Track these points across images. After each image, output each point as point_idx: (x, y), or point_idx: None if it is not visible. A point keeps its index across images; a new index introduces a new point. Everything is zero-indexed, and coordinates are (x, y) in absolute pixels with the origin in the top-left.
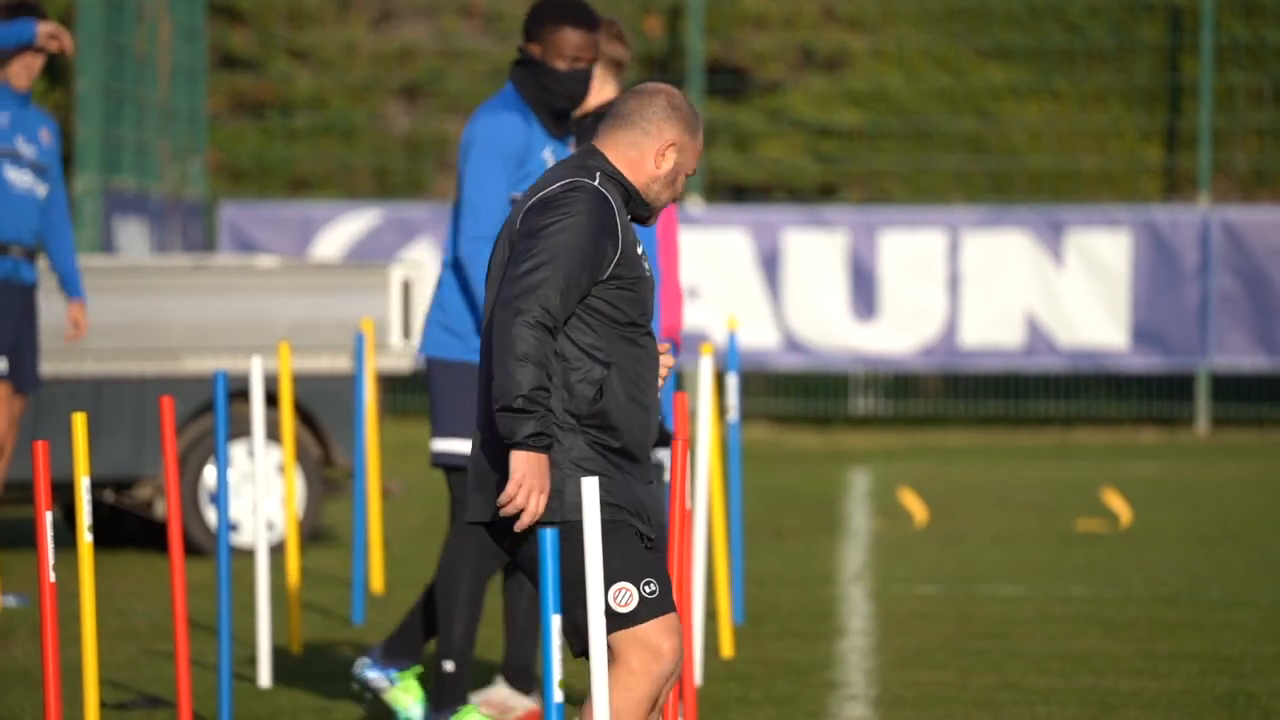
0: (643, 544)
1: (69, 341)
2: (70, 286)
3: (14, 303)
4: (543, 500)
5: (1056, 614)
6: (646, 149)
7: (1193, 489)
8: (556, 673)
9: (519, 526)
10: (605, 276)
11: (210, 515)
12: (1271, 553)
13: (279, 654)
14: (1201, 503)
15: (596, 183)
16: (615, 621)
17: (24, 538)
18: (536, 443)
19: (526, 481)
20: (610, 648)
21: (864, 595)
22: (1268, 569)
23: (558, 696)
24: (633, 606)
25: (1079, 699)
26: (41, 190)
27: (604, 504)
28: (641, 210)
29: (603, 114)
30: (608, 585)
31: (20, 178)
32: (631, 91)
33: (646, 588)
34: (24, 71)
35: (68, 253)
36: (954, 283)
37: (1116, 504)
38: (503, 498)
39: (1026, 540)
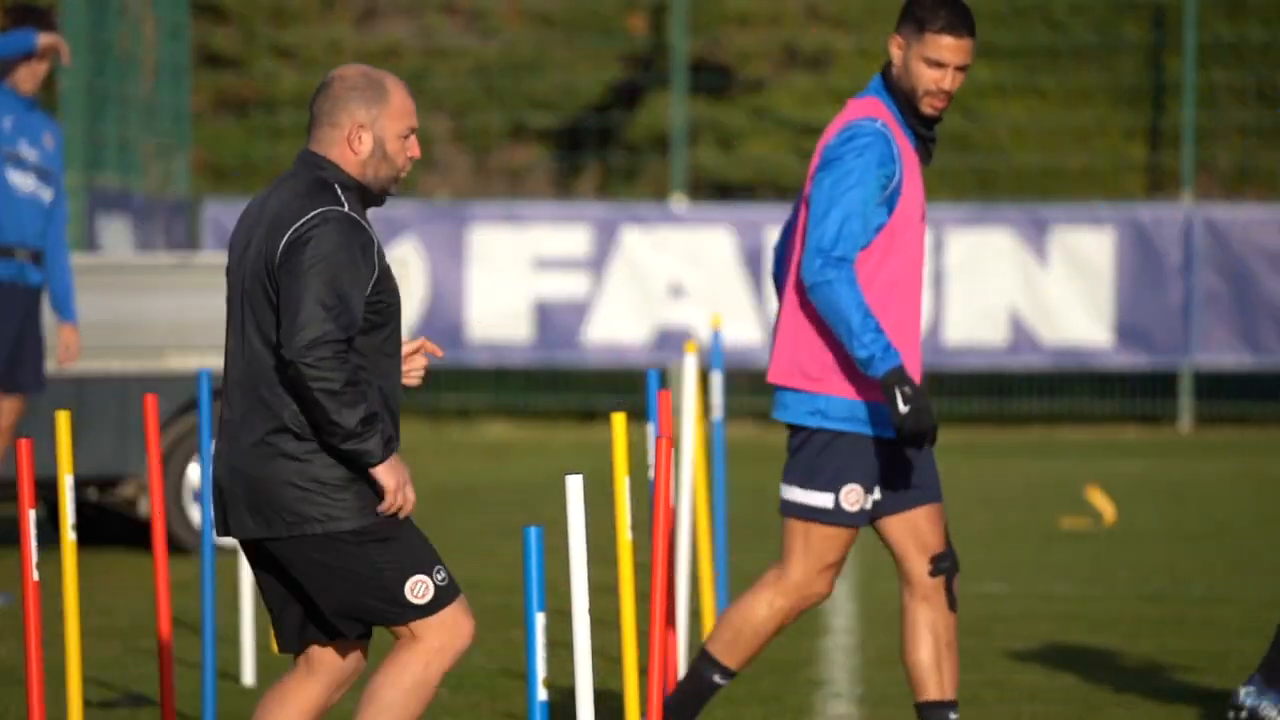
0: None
1: (61, 365)
2: (63, 309)
3: (15, 306)
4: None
5: (1040, 612)
6: (339, 140)
7: (1176, 486)
8: (540, 671)
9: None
10: (369, 296)
11: (194, 513)
12: (1255, 550)
13: (262, 652)
14: (1185, 500)
15: (344, 208)
16: (416, 612)
17: (7, 536)
18: (390, 450)
19: (401, 483)
20: (411, 630)
21: (848, 593)
22: (1251, 566)
23: (542, 695)
24: (430, 596)
25: (1063, 697)
26: (46, 195)
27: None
28: (374, 200)
29: None
30: (403, 580)
31: (24, 181)
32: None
33: (438, 575)
34: (30, 77)
35: (63, 272)
36: (938, 280)
37: (1100, 502)
38: (385, 505)
39: (1010, 538)
